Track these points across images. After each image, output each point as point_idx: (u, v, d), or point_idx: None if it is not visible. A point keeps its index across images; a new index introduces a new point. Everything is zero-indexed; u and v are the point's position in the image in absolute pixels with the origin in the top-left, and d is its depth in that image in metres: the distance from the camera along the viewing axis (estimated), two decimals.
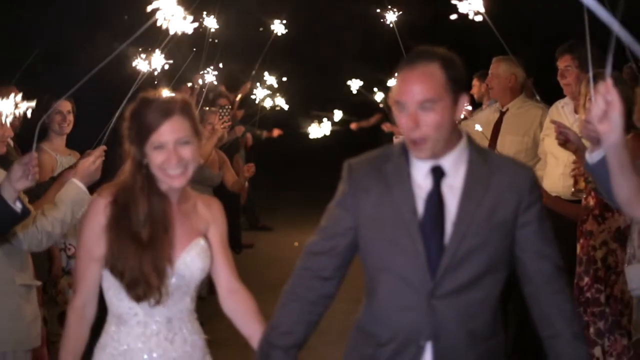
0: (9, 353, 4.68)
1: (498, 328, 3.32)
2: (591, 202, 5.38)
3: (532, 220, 3.24)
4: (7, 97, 4.92)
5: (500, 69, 7.43)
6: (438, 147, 3.19)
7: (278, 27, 8.44)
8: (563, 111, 6.52)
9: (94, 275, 3.59)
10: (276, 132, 13.37)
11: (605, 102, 2.87)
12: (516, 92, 7.44)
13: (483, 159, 3.27)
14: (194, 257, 3.62)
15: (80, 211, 4.65)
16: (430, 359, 3.24)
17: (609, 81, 2.86)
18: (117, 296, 3.57)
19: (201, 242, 3.68)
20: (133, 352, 3.57)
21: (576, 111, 6.22)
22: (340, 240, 3.35)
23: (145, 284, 3.51)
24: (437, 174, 3.24)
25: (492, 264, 3.22)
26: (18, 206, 4.05)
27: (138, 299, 3.53)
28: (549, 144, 6.26)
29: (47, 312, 5.92)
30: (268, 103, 12.61)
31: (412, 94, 3.15)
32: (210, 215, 3.79)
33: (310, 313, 3.39)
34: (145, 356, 3.57)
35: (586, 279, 5.45)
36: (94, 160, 5.03)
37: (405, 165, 3.28)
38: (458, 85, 3.19)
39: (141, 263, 3.50)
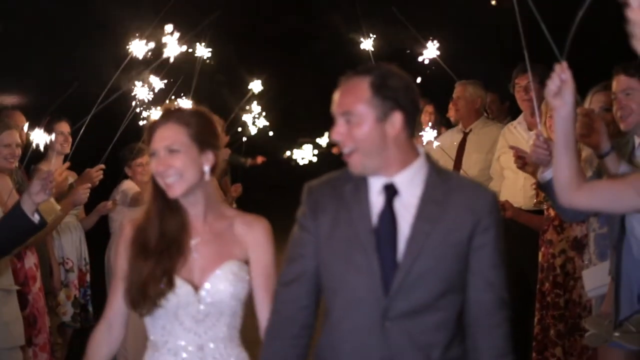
0: None
1: (457, 354, 3.18)
2: (552, 213, 5.79)
3: (486, 243, 3.15)
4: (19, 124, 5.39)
5: (468, 92, 7.81)
6: (370, 162, 3.15)
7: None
8: (516, 131, 6.93)
9: (119, 298, 3.50)
10: (260, 160, 13.40)
11: (560, 79, 3.38)
12: (479, 114, 7.83)
13: (442, 180, 3.20)
14: (222, 281, 3.44)
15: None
16: None
17: (564, 63, 3.37)
18: (149, 321, 3.48)
19: (233, 264, 3.47)
20: None
21: (530, 128, 6.70)
22: (307, 263, 3.26)
23: (140, 291, 3.40)
24: (390, 191, 3.18)
25: (449, 286, 3.12)
26: (36, 218, 4.39)
27: (130, 305, 3.44)
28: (507, 160, 6.61)
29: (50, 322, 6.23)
30: (253, 129, 12.45)
31: (336, 105, 3.17)
32: (252, 238, 3.55)
33: (295, 347, 3.27)
34: None
35: (547, 285, 5.86)
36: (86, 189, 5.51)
37: (364, 185, 3.22)
38: (389, 103, 3.12)
39: (142, 270, 3.41)
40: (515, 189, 6.63)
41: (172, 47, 4.83)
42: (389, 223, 3.15)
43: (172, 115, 3.46)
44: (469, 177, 3.14)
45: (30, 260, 5.83)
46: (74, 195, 6.09)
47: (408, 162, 3.17)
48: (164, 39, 4.64)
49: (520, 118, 6.99)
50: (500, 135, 7.07)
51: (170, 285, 3.39)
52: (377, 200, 3.18)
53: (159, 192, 3.47)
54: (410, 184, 3.17)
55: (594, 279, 5.06)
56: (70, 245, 6.92)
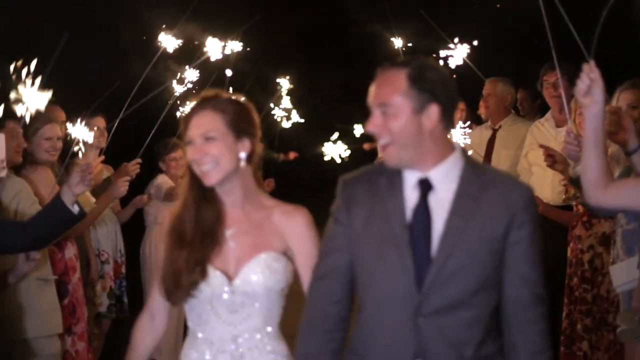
0: (31, 340, 5.25)
1: (491, 351, 3.13)
2: (581, 209, 5.87)
3: (522, 239, 3.09)
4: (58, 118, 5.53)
5: (498, 89, 7.90)
6: (405, 154, 3.12)
7: None
8: (544, 128, 7.01)
9: (157, 285, 3.51)
10: (292, 155, 13.37)
11: (589, 79, 3.44)
12: (509, 111, 7.92)
13: (477, 174, 3.16)
14: (255, 272, 3.39)
15: None
16: None
17: (592, 62, 3.44)
18: (188, 309, 3.49)
19: (268, 256, 3.42)
20: None
21: (558, 125, 6.79)
22: (340, 257, 3.22)
23: (173, 281, 3.40)
24: (424, 186, 3.15)
25: (483, 282, 3.08)
26: (75, 209, 4.51)
27: (164, 293, 3.44)
28: (535, 156, 6.71)
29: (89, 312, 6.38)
30: (285, 123, 12.13)
31: (372, 96, 3.15)
32: (293, 229, 3.48)
33: (330, 341, 3.24)
34: None
35: (575, 280, 5.95)
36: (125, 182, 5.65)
37: (399, 179, 3.19)
38: (426, 95, 3.09)
39: (176, 259, 3.40)
40: (544, 185, 6.67)
41: (214, 46, 4.91)
42: (423, 218, 3.11)
43: (208, 102, 3.42)
44: (505, 171, 3.20)
45: (71, 251, 5.94)
46: (113, 188, 6.20)
47: (443, 156, 3.13)
48: (207, 40, 4.73)
49: (548, 115, 7.07)
50: (528, 132, 7.14)
51: (203, 275, 3.36)
52: (411, 195, 3.14)
53: (195, 181, 3.44)
54: (446, 179, 3.13)
55: (622, 274, 5.12)
56: (106, 237, 7.02)
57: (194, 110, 3.41)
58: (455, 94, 3.17)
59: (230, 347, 3.40)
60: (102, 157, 6.02)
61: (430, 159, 3.12)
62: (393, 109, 3.08)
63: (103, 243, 6.97)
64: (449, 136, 3.18)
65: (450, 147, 3.16)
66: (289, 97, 11.22)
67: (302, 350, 3.28)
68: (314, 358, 3.24)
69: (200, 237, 3.41)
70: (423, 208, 3.11)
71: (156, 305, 3.57)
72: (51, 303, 5.43)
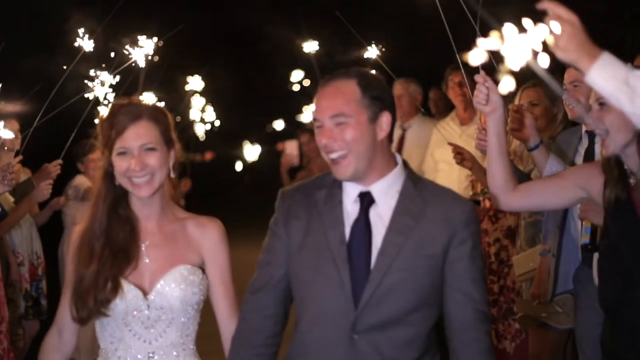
0: None
1: None
2: (487, 204, 6.13)
3: (463, 256, 3.04)
4: None
5: (410, 89, 8.15)
6: (360, 165, 3.06)
7: None
8: (449, 126, 7.32)
9: (66, 303, 3.38)
10: (209, 156, 13.42)
11: (485, 88, 3.56)
12: (418, 111, 8.12)
13: (418, 190, 3.11)
14: (170, 286, 3.30)
15: None
16: None
17: (482, 72, 3.55)
18: (98, 329, 3.39)
19: (184, 269, 3.33)
20: None
21: (462, 123, 7.12)
22: (275, 272, 3.18)
23: (82, 300, 3.28)
24: (366, 200, 3.10)
25: (420, 300, 3.04)
26: None
27: (74, 314, 3.31)
28: (442, 154, 7.03)
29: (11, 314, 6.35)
30: (200, 129, 12.11)
31: (324, 109, 3.08)
32: (205, 240, 3.42)
33: (260, 356, 3.20)
34: None
35: None
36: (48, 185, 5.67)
37: (339, 192, 3.14)
38: (377, 104, 3.08)
39: (85, 277, 3.29)
40: (450, 181, 6.86)
41: (140, 53, 4.97)
42: (362, 233, 3.07)
43: (144, 111, 3.32)
44: (446, 187, 3.17)
45: None
46: (36, 192, 6.26)
47: (388, 169, 3.12)
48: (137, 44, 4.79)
49: (453, 114, 7.40)
50: (435, 131, 7.39)
51: (116, 292, 3.26)
52: (351, 209, 3.11)
53: (110, 192, 3.35)
54: (387, 194, 3.10)
55: (524, 264, 5.41)
56: (21, 239, 6.99)
57: (129, 119, 3.28)
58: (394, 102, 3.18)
59: None
60: (20, 157, 6.07)
61: (375, 171, 3.09)
62: (349, 119, 3.04)
63: (17, 245, 6.95)
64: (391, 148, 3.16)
65: (393, 160, 3.15)
66: (202, 99, 11.16)
67: None
68: None
69: (111, 253, 3.30)
70: (363, 223, 3.08)
71: (64, 321, 3.42)
72: None
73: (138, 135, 3.28)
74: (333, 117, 3.05)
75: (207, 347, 3.56)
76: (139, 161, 3.26)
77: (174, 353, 3.34)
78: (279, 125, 13.54)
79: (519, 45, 2.63)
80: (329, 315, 3.05)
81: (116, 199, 3.36)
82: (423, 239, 3.03)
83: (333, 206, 3.11)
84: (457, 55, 4.31)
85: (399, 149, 7.95)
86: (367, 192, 3.09)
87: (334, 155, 3.06)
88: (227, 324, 3.40)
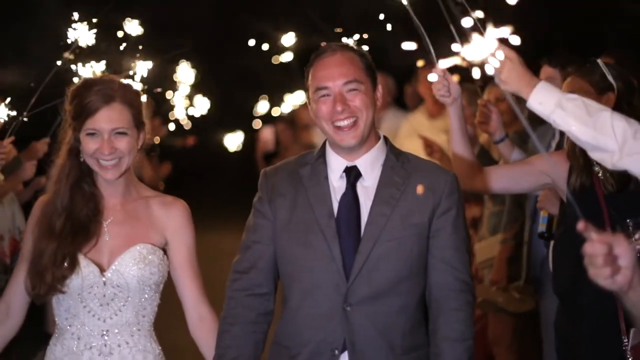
0: None
1: (420, 341, 3.16)
2: None
3: (446, 225, 3.11)
4: None
5: (389, 83, 8.36)
6: (366, 132, 3.13)
7: None
8: (418, 119, 7.57)
9: (20, 280, 3.34)
10: (191, 141, 13.44)
11: (446, 81, 3.82)
12: (390, 104, 8.34)
13: (401, 162, 3.19)
14: (127, 264, 3.26)
15: None
16: None
17: (439, 67, 3.78)
18: (55, 305, 3.35)
19: (143, 248, 3.31)
20: None
21: (431, 116, 7.38)
22: (263, 251, 3.21)
23: (39, 275, 3.24)
24: (352, 174, 3.17)
25: (409, 269, 3.09)
26: None
27: (28, 289, 3.29)
28: (411, 145, 7.14)
29: None
30: (181, 113, 11.81)
31: (337, 76, 3.13)
32: (170, 221, 3.39)
33: (254, 333, 3.20)
34: None
35: None
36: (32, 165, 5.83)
37: (323, 168, 3.20)
38: (373, 75, 3.20)
39: (43, 252, 3.25)
40: None
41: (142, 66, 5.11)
42: (351, 207, 3.14)
43: (117, 93, 3.28)
44: (428, 160, 3.34)
45: None
46: (21, 170, 6.43)
47: (373, 143, 3.21)
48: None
49: (423, 108, 7.64)
50: (405, 123, 7.64)
51: (72, 269, 3.23)
52: (337, 184, 3.18)
53: (74, 170, 3.32)
54: (372, 167, 3.18)
55: (485, 251, 5.67)
56: (2, 214, 6.99)
57: (101, 101, 3.24)
58: None
59: (99, 342, 3.28)
60: (12, 138, 6.24)
61: (366, 143, 3.19)
62: (361, 86, 3.14)
63: None
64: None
65: (377, 134, 3.25)
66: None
67: (223, 343, 3.22)
68: (237, 350, 3.19)
69: (71, 230, 3.28)
70: (351, 196, 3.15)
71: (15, 294, 3.39)
72: None
73: (110, 119, 3.24)
74: (347, 84, 3.14)
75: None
76: (109, 145, 3.23)
77: (129, 333, 3.30)
78: (262, 107, 13.51)
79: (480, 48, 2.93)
80: (321, 289, 3.11)
81: (81, 176, 3.33)
82: (409, 208, 3.11)
83: (319, 182, 3.18)
84: (432, 52, 4.47)
85: None
86: (354, 166, 3.18)
87: (345, 122, 3.12)
88: (195, 307, 3.37)
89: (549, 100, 3.05)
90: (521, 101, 5.53)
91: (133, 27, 6.84)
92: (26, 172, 6.43)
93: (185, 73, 9.47)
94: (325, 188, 3.17)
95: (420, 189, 3.12)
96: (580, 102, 3.08)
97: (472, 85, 5.42)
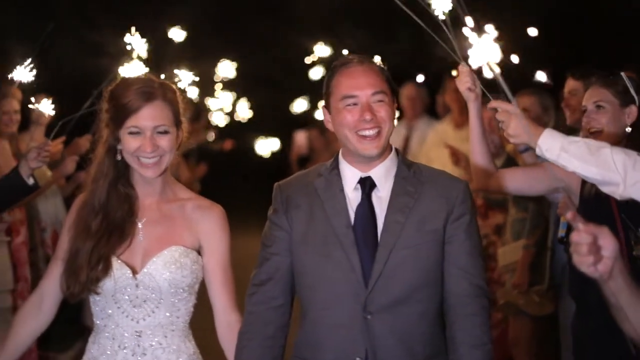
0: None
1: (440, 348, 3.17)
2: (479, 202, 6.57)
3: (460, 232, 3.13)
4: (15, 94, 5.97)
5: (422, 93, 8.61)
6: (386, 143, 3.17)
7: None
8: (444, 129, 7.76)
9: (55, 276, 3.35)
10: (228, 145, 13.53)
11: (470, 77, 3.98)
12: (425, 112, 8.59)
13: (413, 172, 3.21)
14: (159, 267, 3.27)
15: None
16: None
17: (463, 64, 3.91)
18: (92, 304, 3.36)
19: (176, 250, 3.30)
20: None
21: (457, 126, 7.61)
22: (281, 262, 3.21)
23: (73, 276, 3.26)
24: (367, 184, 3.19)
25: (426, 277, 3.11)
26: (31, 181, 4.95)
27: (63, 288, 3.30)
28: (437, 154, 7.42)
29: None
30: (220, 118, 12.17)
31: (365, 85, 3.15)
32: (205, 224, 3.37)
33: (272, 348, 3.22)
34: None
35: None
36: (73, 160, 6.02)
37: (338, 179, 3.21)
38: (394, 90, 3.24)
39: (79, 252, 3.26)
40: None
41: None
42: (367, 217, 3.15)
43: (158, 91, 3.29)
44: (440, 169, 3.33)
45: (16, 216, 6.36)
46: (63, 165, 6.69)
47: (386, 155, 3.23)
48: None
49: (449, 117, 7.86)
50: (431, 132, 7.85)
51: (106, 271, 3.24)
52: (352, 195, 3.19)
53: (112, 169, 3.31)
54: (385, 177, 3.19)
55: (508, 256, 5.86)
56: (45, 207, 7.25)
57: (144, 98, 3.25)
58: None
59: (132, 343, 3.29)
60: (63, 138, 6.49)
61: (381, 155, 3.22)
62: (386, 98, 3.19)
63: (42, 212, 7.22)
64: None
65: (390, 146, 3.26)
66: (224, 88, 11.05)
67: (242, 359, 3.23)
68: None
69: (107, 230, 3.28)
70: (367, 206, 3.16)
71: (49, 290, 3.42)
72: (4, 263, 5.96)
73: (152, 117, 3.25)
74: (375, 94, 3.16)
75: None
76: (151, 143, 3.24)
77: (160, 334, 3.30)
78: (299, 106, 13.38)
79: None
80: (341, 299, 3.11)
81: (117, 175, 3.33)
82: (423, 216, 3.12)
83: (334, 193, 3.20)
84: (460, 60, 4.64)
85: (404, 148, 8.31)
86: (368, 177, 3.20)
87: (369, 132, 3.14)
88: (224, 313, 3.36)
89: (554, 146, 3.37)
90: (547, 112, 5.79)
91: (176, 33, 7.12)
92: (67, 167, 6.68)
93: (226, 70, 9.59)
94: (341, 199, 3.19)
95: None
96: (582, 143, 3.39)
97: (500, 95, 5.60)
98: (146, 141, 3.24)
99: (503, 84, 3.27)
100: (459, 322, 3.13)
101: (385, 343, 3.08)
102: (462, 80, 4.01)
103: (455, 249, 3.14)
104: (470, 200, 3.20)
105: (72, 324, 3.36)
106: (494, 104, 3.48)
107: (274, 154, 14.45)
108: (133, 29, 4.78)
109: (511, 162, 5.77)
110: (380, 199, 3.18)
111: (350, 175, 3.22)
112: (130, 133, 3.25)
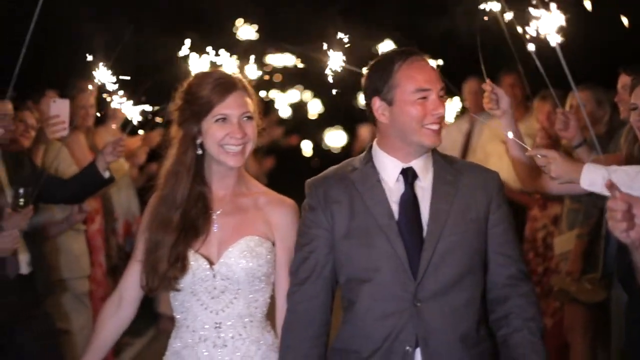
0: (65, 280, 6.11)
1: (485, 334, 3.22)
2: (537, 194, 6.74)
3: (500, 221, 3.21)
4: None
5: (479, 87, 8.71)
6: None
7: None
8: (497, 124, 7.76)
9: (135, 273, 3.41)
10: (294, 140, 13.73)
11: (494, 94, 4.14)
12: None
13: (449, 163, 3.26)
14: (235, 257, 3.28)
15: None
16: None
17: (489, 81, 4.11)
18: (171, 299, 3.40)
19: (250, 240, 3.31)
20: (182, 357, 3.35)
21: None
22: (321, 260, 3.22)
23: (152, 272, 3.29)
24: (409, 175, 3.21)
25: (471, 263, 3.17)
26: (107, 174, 5.28)
27: (143, 284, 3.34)
28: (494, 148, 7.50)
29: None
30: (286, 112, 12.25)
31: (435, 81, 3.18)
32: (276, 218, 3.37)
33: (316, 347, 3.24)
34: None
35: (531, 254, 6.83)
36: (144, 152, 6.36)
37: (373, 171, 3.23)
38: None
39: (158, 248, 3.29)
40: (502, 171, 7.38)
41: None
42: (411, 207, 3.17)
43: (238, 82, 3.33)
44: (469, 161, 3.43)
45: (92, 205, 6.65)
46: (135, 157, 7.02)
47: None
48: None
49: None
50: (486, 128, 7.93)
51: (184, 270, 3.28)
52: (393, 186, 3.21)
53: (193, 163, 3.34)
54: (425, 168, 3.23)
55: (563, 245, 6.02)
56: (118, 197, 7.60)
57: (227, 87, 3.28)
58: None
59: (212, 334, 3.31)
60: (143, 137, 6.78)
61: None
62: (443, 94, 3.24)
63: (115, 202, 7.56)
64: None
65: None
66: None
67: (287, 358, 3.26)
68: None
69: (185, 226, 3.31)
70: (411, 196, 3.19)
71: (127, 288, 3.47)
72: (81, 250, 6.28)
73: (238, 104, 3.29)
74: (441, 90, 3.21)
75: None
76: (240, 129, 3.27)
77: (240, 324, 3.32)
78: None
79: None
80: (389, 289, 3.13)
81: (197, 170, 3.35)
82: (465, 204, 3.19)
83: (372, 185, 3.22)
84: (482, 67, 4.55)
85: (465, 142, 8.43)
86: (409, 168, 3.23)
87: (436, 127, 3.18)
88: (284, 308, 3.34)
89: (596, 180, 3.59)
90: (602, 106, 5.92)
91: (246, 31, 7.33)
92: (139, 157, 7.03)
93: (284, 60, 9.74)
94: (380, 190, 3.20)
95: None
96: (621, 172, 3.59)
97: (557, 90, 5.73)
98: (234, 127, 3.26)
99: (564, 64, 3.33)
100: (512, 301, 3.22)
101: (436, 329, 3.12)
102: (485, 101, 4.16)
103: (500, 238, 3.23)
104: (503, 189, 3.30)
105: (145, 310, 3.47)
106: (531, 152, 3.66)
107: (341, 149, 14.48)
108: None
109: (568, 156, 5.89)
110: (423, 189, 3.21)
111: (390, 166, 3.25)
112: (217, 121, 3.27)
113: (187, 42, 5.13)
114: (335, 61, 3.94)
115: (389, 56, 3.28)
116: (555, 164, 3.60)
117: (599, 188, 3.58)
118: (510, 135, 4.14)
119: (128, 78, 4.74)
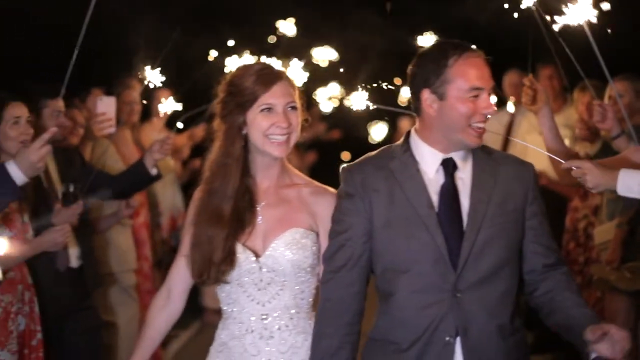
0: (113, 273, 6.24)
1: (519, 324, 3.24)
2: None
3: (537, 212, 3.24)
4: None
5: (519, 79, 8.76)
6: None
7: None
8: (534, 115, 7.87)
9: (179, 268, 3.45)
10: (336, 134, 13.78)
11: (532, 90, 4.27)
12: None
13: (487, 153, 3.26)
14: (281, 249, 3.29)
15: None
16: (461, 356, 3.14)
17: (530, 76, 4.22)
18: (218, 291, 3.41)
19: (296, 231, 3.32)
20: (229, 348, 3.36)
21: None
22: (357, 248, 3.20)
23: (205, 264, 3.30)
24: (450, 165, 3.21)
25: (509, 254, 3.18)
26: (154, 171, 5.42)
27: (195, 276, 3.36)
28: (533, 139, 7.27)
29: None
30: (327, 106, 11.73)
31: (489, 78, 3.18)
32: (319, 209, 3.37)
33: (350, 335, 3.23)
34: (239, 355, 3.34)
35: (572, 244, 6.87)
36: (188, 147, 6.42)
37: (412, 161, 3.21)
38: None
39: (212, 239, 3.29)
40: (540, 165, 7.42)
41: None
42: (451, 197, 3.17)
43: (281, 72, 3.35)
44: (504, 152, 3.42)
45: (137, 199, 6.62)
46: (179, 152, 7.16)
47: None
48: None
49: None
50: (524, 119, 8.02)
51: (232, 264, 3.29)
52: (433, 176, 3.21)
53: (242, 155, 3.34)
54: (465, 159, 3.23)
55: (603, 234, 6.06)
56: (163, 192, 7.68)
57: (272, 78, 3.30)
58: None
59: (259, 326, 3.33)
60: (189, 133, 6.88)
61: None
62: (492, 92, 3.24)
63: (159, 196, 7.62)
64: None
65: None
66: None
67: (321, 347, 3.24)
68: (336, 354, 3.21)
69: (236, 216, 3.32)
70: (451, 187, 3.19)
71: (175, 282, 3.49)
72: (128, 244, 6.42)
73: (283, 93, 3.30)
74: (491, 89, 3.21)
75: None
76: (285, 118, 3.28)
77: (288, 316, 3.33)
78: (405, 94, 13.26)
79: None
80: (429, 280, 3.14)
81: (245, 162, 3.36)
82: (504, 195, 3.19)
83: (412, 175, 3.20)
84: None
85: (506, 134, 8.36)
86: (450, 158, 3.23)
87: (483, 125, 3.18)
88: None
89: (632, 186, 3.70)
90: None
91: (287, 26, 7.28)
92: (183, 153, 7.16)
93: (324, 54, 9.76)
94: (419, 180, 3.19)
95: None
96: None
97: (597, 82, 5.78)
98: (280, 117, 3.27)
99: (598, 54, 3.50)
100: (556, 282, 3.26)
101: (477, 320, 3.13)
102: (523, 96, 4.28)
103: (539, 229, 3.26)
104: (538, 182, 3.34)
105: (190, 303, 3.54)
106: (566, 164, 3.71)
107: (381, 142, 14.50)
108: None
109: (607, 147, 5.89)
110: (463, 180, 3.22)
111: (429, 156, 3.23)
112: (262, 110, 3.28)
113: (230, 42, 5.20)
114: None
115: (443, 49, 3.23)
116: (591, 174, 3.65)
117: (636, 194, 3.68)
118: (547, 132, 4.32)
119: (170, 77, 4.83)
